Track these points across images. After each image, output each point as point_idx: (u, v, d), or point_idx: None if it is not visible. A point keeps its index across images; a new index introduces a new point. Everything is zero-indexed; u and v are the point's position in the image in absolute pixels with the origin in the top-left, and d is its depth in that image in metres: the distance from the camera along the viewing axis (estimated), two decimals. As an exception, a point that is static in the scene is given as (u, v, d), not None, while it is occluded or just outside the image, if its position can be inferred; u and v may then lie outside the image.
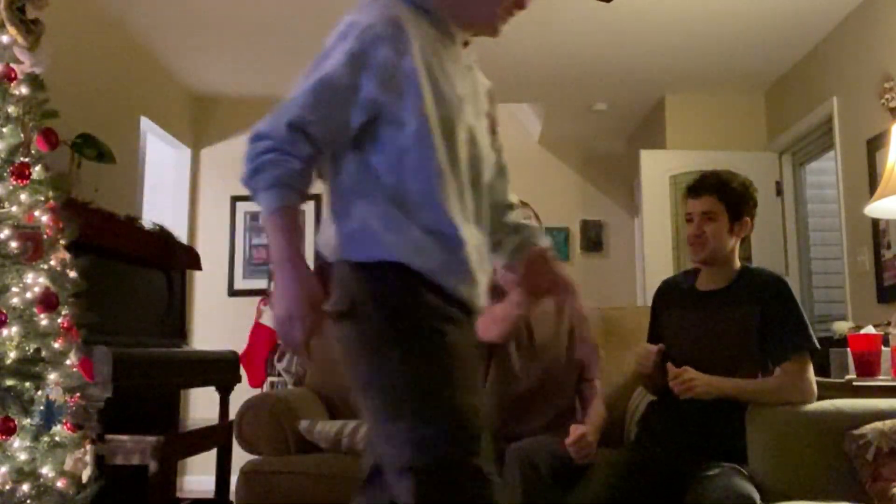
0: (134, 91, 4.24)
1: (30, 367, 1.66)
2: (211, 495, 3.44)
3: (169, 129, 4.73)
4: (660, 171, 4.70)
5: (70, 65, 3.42)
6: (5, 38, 1.79)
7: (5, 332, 1.65)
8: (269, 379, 4.56)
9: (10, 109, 1.75)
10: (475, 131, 1.39)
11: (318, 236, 1.37)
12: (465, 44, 1.43)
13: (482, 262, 1.34)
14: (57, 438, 1.70)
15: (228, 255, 5.08)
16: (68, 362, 1.78)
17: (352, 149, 1.31)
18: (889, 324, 2.74)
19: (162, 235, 3.42)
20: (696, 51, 4.26)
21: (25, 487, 1.63)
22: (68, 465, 1.71)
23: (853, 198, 3.71)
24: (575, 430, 2.08)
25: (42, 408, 1.68)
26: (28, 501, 1.63)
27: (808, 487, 1.91)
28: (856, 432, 1.95)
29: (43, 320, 1.72)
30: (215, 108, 5.18)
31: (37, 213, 1.77)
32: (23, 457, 1.64)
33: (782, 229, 4.63)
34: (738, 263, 2.20)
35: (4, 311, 1.65)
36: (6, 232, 1.70)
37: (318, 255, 1.36)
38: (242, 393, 3.28)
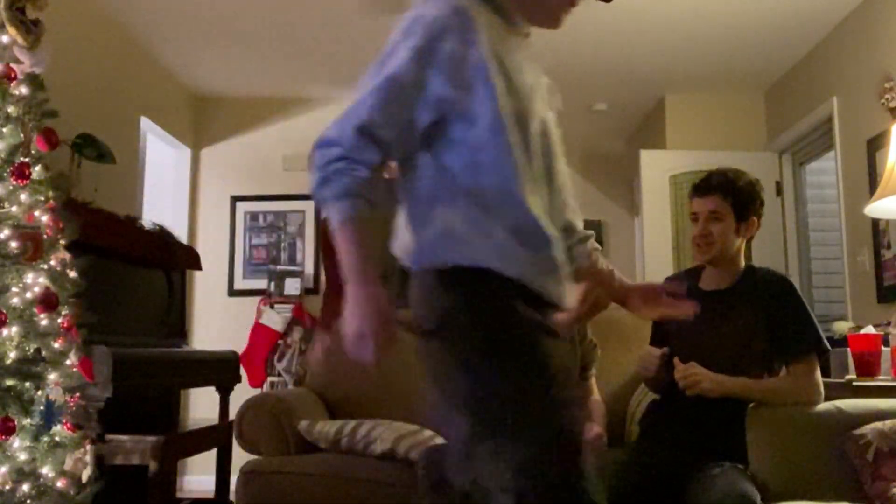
0: (134, 91, 4.24)
1: (30, 367, 1.66)
2: (211, 495, 3.44)
3: (169, 129, 4.73)
4: (660, 171, 4.70)
5: (70, 65, 3.42)
6: (5, 38, 1.79)
7: (5, 332, 1.65)
8: (269, 379, 4.57)
9: (10, 109, 1.75)
10: (547, 122, 1.34)
11: (394, 242, 1.31)
12: (526, 35, 1.39)
13: (565, 261, 1.30)
14: (57, 438, 1.71)
15: (228, 255, 5.08)
16: (68, 362, 1.78)
17: (424, 150, 1.25)
18: (889, 324, 2.74)
19: (162, 235, 3.42)
20: (696, 51, 4.26)
21: (25, 487, 1.63)
22: (68, 465, 1.71)
23: (853, 198, 3.71)
24: (590, 430, 2.08)
25: (42, 408, 1.68)
26: (28, 501, 1.63)
27: (808, 487, 1.91)
28: (856, 432, 1.95)
29: (43, 320, 1.72)
30: (215, 108, 5.18)
31: (37, 213, 1.77)
32: (23, 457, 1.64)
33: (782, 229, 4.63)
34: (742, 263, 2.18)
35: (4, 311, 1.65)
36: (6, 232, 1.70)
37: (391, 262, 1.30)
38: (242, 393, 3.28)
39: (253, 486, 2.38)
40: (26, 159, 1.75)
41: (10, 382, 1.63)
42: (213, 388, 3.45)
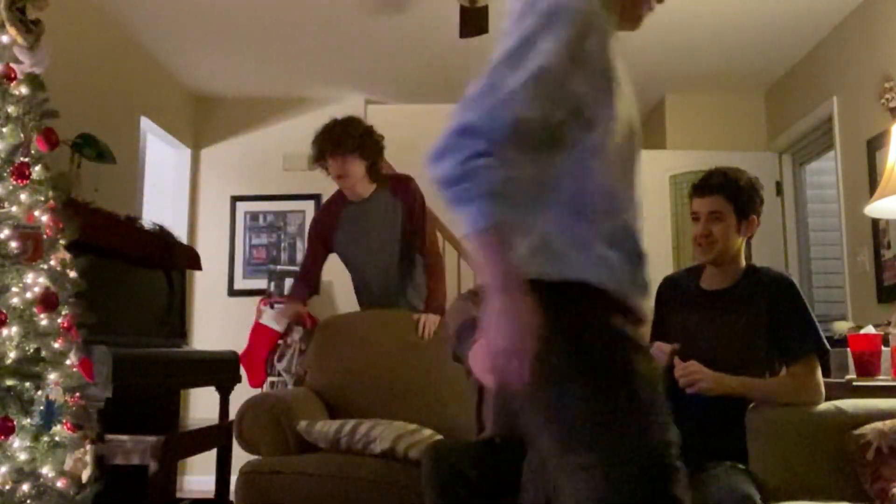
0: (134, 91, 4.24)
1: (30, 367, 1.66)
2: (211, 495, 3.44)
3: (169, 129, 4.73)
4: (660, 170, 4.71)
5: (70, 65, 3.42)
6: (5, 38, 1.79)
7: (5, 332, 1.65)
8: (269, 379, 4.56)
9: (10, 109, 1.76)
10: (638, 130, 1.27)
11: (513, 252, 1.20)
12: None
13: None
14: (57, 438, 1.71)
15: (228, 255, 5.08)
16: (68, 362, 1.78)
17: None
18: (889, 324, 2.73)
19: (162, 235, 3.42)
20: (696, 51, 4.26)
21: (25, 487, 1.63)
22: (68, 465, 1.71)
23: (853, 198, 3.71)
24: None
25: (42, 408, 1.68)
26: (28, 501, 1.63)
27: (808, 487, 1.91)
28: (856, 432, 1.95)
29: (43, 320, 1.72)
30: (215, 108, 5.18)
31: (37, 213, 1.77)
32: (23, 457, 1.64)
33: (782, 229, 4.63)
34: (743, 262, 2.18)
35: (4, 311, 1.65)
36: (6, 232, 1.70)
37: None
38: (242, 393, 3.28)
39: (253, 486, 2.38)
40: (26, 159, 1.75)
41: (10, 382, 1.63)
42: (213, 388, 3.45)
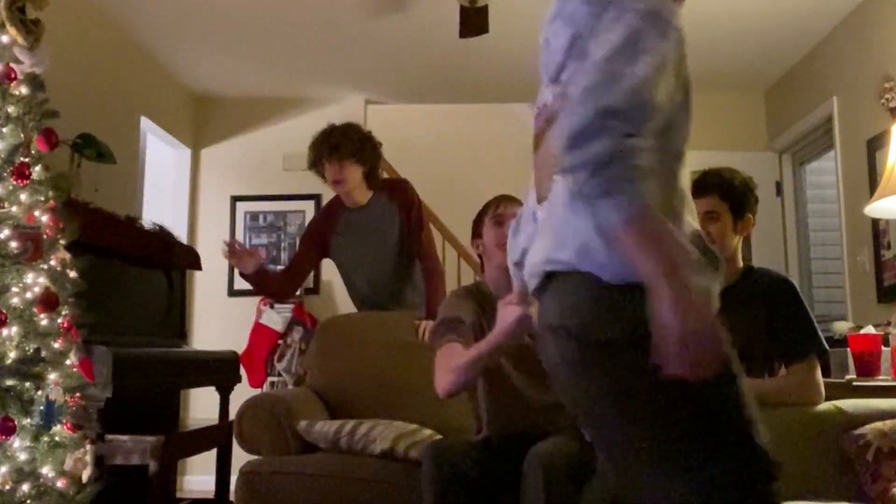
0: (134, 91, 4.24)
1: (30, 367, 1.66)
2: (211, 495, 3.44)
3: (169, 129, 4.73)
4: (660, 171, 4.70)
5: (70, 65, 3.42)
6: (5, 38, 1.79)
7: (5, 332, 1.65)
8: (269, 379, 4.56)
9: (10, 109, 1.76)
10: None
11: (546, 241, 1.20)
12: None
13: None
14: (57, 438, 1.70)
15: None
16: (68, 362, 1.78)
17: None
18: (889, 324, 2.74)
19: (162, 235, 3.42)
20: (695, 51, 4.21)
21: (25, 487, 1.63)
22: (68, 465, 1.71)
23: (853, 198, 3.71)
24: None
25: (42, 408, 1.68)
26: (28, 501, 1.63)
27: (808, 487, 1.91)
28: (856, 432, 1.95)
29: (43, 320, 1.72)
30: (215, 108, 5.18)
31: (37, 213, 1.77)
32: (23, 457, 1.64)
33: (782, 229, 4.63)
34: (741, 262, 2.18)
35: (4, 311, 1.65)
36: (6, 232, 1.70)
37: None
38: (242, 393, 3.28)
39: (252, 486, 2.38)
40: (26, 159, 1.75)
41: (10, 382, 1.63)
42: (213, 388, 3.45)
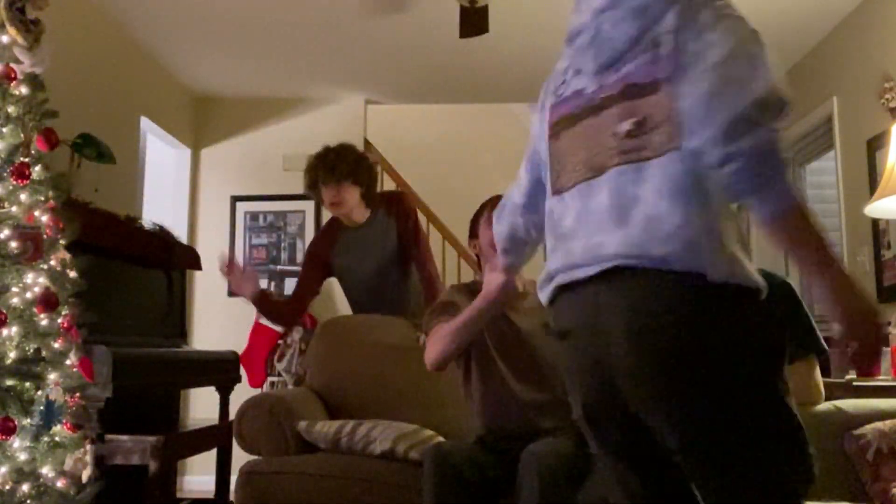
0: (134, 91, 4.24)
1: (30, 367, 1.66)
2: (211, 495, 3.44)
3: (169, 129, 4.73)
4: (660, 171, 4.70)
5: (70, 65, 3.42)
6: (5, 38, 1.79)
7: (5, 332, 1.65)
8: (269, 379, 4.56)
9: (10, 109, 1.75)
10: None
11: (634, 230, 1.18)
12: None
13: None
14: (57, 438, 1.70)
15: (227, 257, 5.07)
16: (68, 362, 1.78)
17: None
18: (889, 324, 2.74)
19: (162, 235, 3.42)
20: (696, 51, 4.25)
21: (25, 487, 1.63)
22: (68, 465, 1.71)
23: (853, 198, 3.71)
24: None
25: (42, 408, 1.68)
26: (28, 501, 1.63)
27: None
28: (856, 432, 1.96)
29: (43, 320, 1.72)
30: (215, 108, 5.18)
31: (37, 213, 1.77)
32: (23, 457, 1.64)
33: (782, 229, 4.62)
34: None
35: (4, 311, 1.65)
36: (6, 232, 1.70)
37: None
38: (242, 393, 3.28)
39: (252, 486, 2.38)
40: (26, 159, 1.75)
41: (10, 382, 1.63)
42: (213, 388, 3.45)
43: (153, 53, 4.42)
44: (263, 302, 3.06)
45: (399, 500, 2.26)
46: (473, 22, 3.54)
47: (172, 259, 3.47)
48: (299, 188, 4.92)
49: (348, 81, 4.89)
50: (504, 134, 6.12)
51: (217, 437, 3.24)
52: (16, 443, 1.63)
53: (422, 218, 4.03)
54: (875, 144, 3.48)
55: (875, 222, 3.48)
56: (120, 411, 2.49)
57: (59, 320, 1.78)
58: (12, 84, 1.77)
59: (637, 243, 1.16)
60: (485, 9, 3.51)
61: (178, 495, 4.11)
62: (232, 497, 2.65)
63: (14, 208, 1.72)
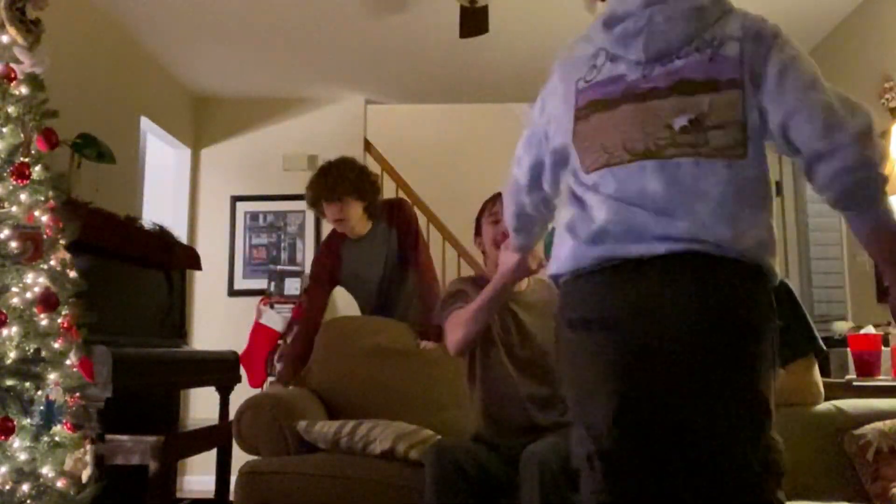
0: (134, 91, 4.24)
1: (30, 367, 1.66)
2: (211, 495, 3.44)
3: (169, 129, 4.73)
4: (660, 171, 4.70)
5: (70, 65, 3.42)
6: (5, 38, 1.79)
7: (5, 332, 1.65)
8: (270, 379, 4.56)
9: (10, 109, 1.75)
10: None
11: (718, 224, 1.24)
12: None
13: None
14: (57, 438, 1.70)
15: (228, 255, 5.08)
16: (68, 362, 1.78)
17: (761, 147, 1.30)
18: (889, 324, 2.74)
19: (162, 235, 3.42)
20: (696, 51, 4.25)
21: (25, 487, 1.63)
22: (68, 465, 1.71)
23: (853, 198, 3.70)
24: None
25: (42, 408, 1.68)
26: (28, 501, 1.63)
27: (808, 487, 1.91)
28: (856, 432, 1.96)
29: (43, 320, 1.72)
30: (215, 108, 5.18)
31: (37, 213, 1.77)
32: (23, 457, 1.64)
33: (782, 229, 4.63)
34: None
35: (4, 311, 1.65)
36: (6, 232, 1.70)
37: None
38: (242, 393, 3.28)
39: (252, 486, 2.37)
40: (26, 159, 1.75)
41: (10, 382, 1.63)
42: (213, 388, 3.45)
43: (153, 53, 4.42)
44: (304, 360, 3.03)
45: (399, 500, 2.26)
46: (473, 22, 3.54)
47: (172, 259, 3.47)
48: (299, 188, 4.92)
49: (348, 81, 4.89)
50: (504, 134, 6.11)
51: (217, 437, 3.24)
52: (16, 443, 1.63)
53: (422, 219, 4.03)
54: (875, 144, 3.48)
55: (875, 222, 3.48)
56: (120, 411, 2.49)
57: (59, 320, 1.78)
58: (12, 84, 1.77)
59: (711, 232, 1.20)
60: (485, 9, 3.51)
61: (178, 495, 4.11)
62: (232, 497, 2.65)
63: (14, 208, 1.72)
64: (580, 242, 1.29)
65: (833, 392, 2.16)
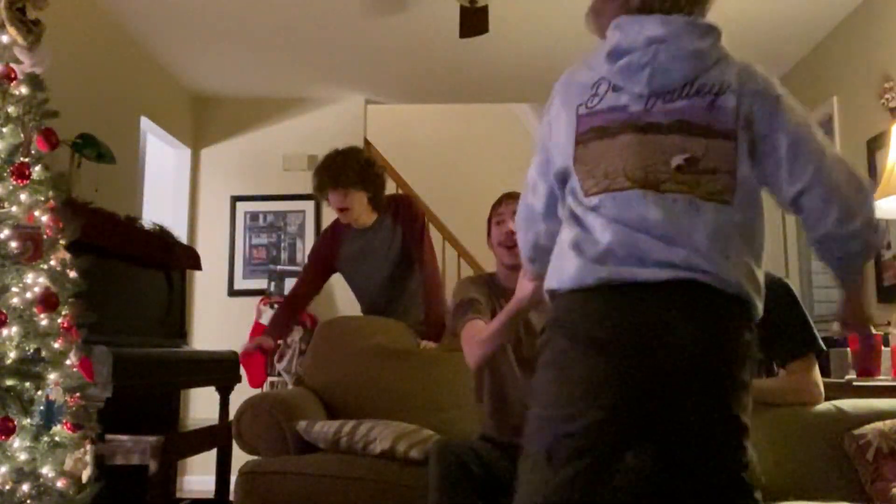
0: (134, 91, 4.24)
1: (30, 367, 1.66)
2: (211, 495, 3.44)
3: (169, 129, 4.73)
4: (660, 171, 4.69)
5: (70, 65, 3.42)
6: (5, 38, 1.79)
7: (5, 332, 1.65)
8: (269, 379, 4.56)
9: (10, 109, 1.76)
10: None
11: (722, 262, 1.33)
12: None
13: None
14: (57, 438, 1.71)
15: (228, 255, 5.08)
16: (68, 362, 1.78)
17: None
18: (889, 324, 2.74)
19: (162, 235, 3.42)
20: (696, 51, 4.25)
21: (25, 487, 1.64)
22: (68, 465, 1.72)
23: (853, 198, 3.70)
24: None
25: (42, 408, 1.68)
26: (28, 501, 1.63)
27: (808, 487, 1.91)
28: (856, 432, 1.95)
29: (43, 320, 1.72)
30: (215, 108, 5.18)
31: (37, 213, 1.77)
32: (23, 457, 1.64)
33: (782, 229, 4.63)
34: None
35: (4, 311, 1.65)
36: (6, 232, 1.70)
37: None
38: (242, 393, 3.28)
39: (252, 486, 2.38)
40: (26, 159, 1.75)
41: (10, 382, 1.63)
42: (213, 388, 3.45)
43: (153, 53, 4.42)
44: (282, 332, 3.19)
45: (399, 500, 2.26)
46: (473, 22, 3.54)
47: (172, 259, 3.47)
48: (299, 188, 4.97)
49: (348, 81, 4.89)
50: (504, 134, 6.13)
51: (217, 437, 3.24)
52: (16, 443, 1.64)
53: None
54: (875, 144, 3.48)
55: (875, 222, 3.48)
56: (120, 411, 2.49)
57: (59, 320, 1.78)
58: (12, 84, 1.77)
59: (707, 263, 1.27)
60: (485, 9, 3.52)
61: (178, 495, 4.12)
62: (232, 497, 2.65)
63: (14, 208, 1.72)
64: (587, 261, 1.33)
65: (833, 392, 2.16)
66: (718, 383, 1.28)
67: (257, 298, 4.77)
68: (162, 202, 4.85)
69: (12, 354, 1.65)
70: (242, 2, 3.77)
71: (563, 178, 1.47)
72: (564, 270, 1.36)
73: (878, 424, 1.95)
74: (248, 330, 4.63)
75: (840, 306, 1.48)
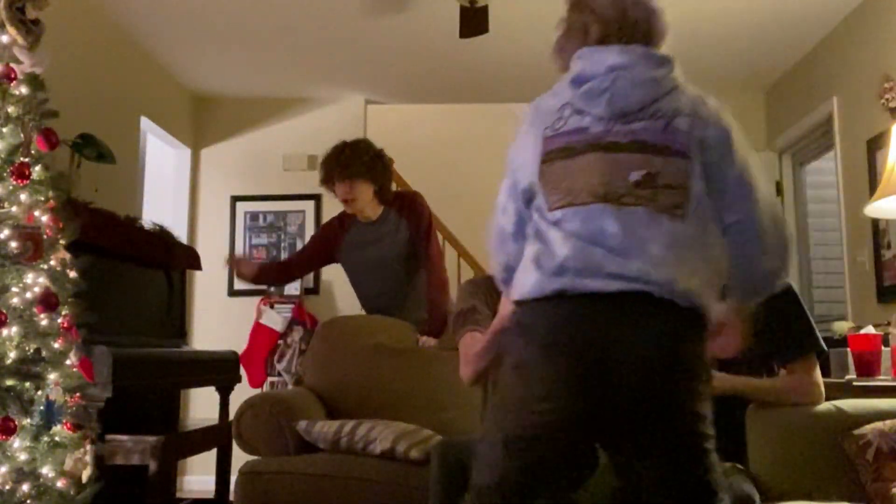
0: (134, 91, 4.24)
1: (30, 367, 1.66)
2: (211, 495, 3.44)
3: (169, 129, 4.73)
4: (660, 171, 4.69)
5: (70, 65, 3.42)
6: (5, 38, 1.79)
7: (5, 332, 1.65)
8: (269, 379, 4.56)
9: (10, 109, 1.75)
10: None
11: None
12: None
13: None
14: (57, 438, 1.70)
15: (228, 254, 5.08)
16: (68, 362, 1.78)
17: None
18: (889, 324, 2.74)
19: (162, 235, 3.42)
20: (696, 51, 4.26)
21: (25, 487, 1.64)
22: (68, 465, 1.71)
23: (853, 198, 3.71)
24: None
25: (42, 408, 1.68)
26: (28, 501, 1.63)
27: (808, 487, 1.91)
28: (856, 432, 1.95)
29: (43, 320, 1.72)
30: (215, 108, 5.18)
31: (37, 213, 1.77)
32: (23, 457, 1.64)
33: (782, 229, 4.63)
34: None
35: (4, 311, 1.65)
36: (6, 232, 1.70)
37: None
38: (242, 393, 3.28)
39: (252, 486, 2.38)
40: (26, 159, 1.75)
41: (10, 382, 1.63)
42: (213, 388, 3.45)
43: (153, 53, 4.43)
44: (259, 277, 3.25)
45: (399, 499, 2.26)
46: (473, 22, 3.54)
47: (172, 259, 3.47)
48: (299, 188, 4.97)
49: (348, 81, 4.89)
50: (504, 134, 6.09)
51: (217, 437, 3.24)
52: (16, 443, 1.64)
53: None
54: (875, 144, 3.48)
55: (875, 222, 3.48)
56: (120, 411, 2.49)
57: (59, 320, 1.78)
58: (12, 84, 1.77)
59: (659, 274, 1.34)
60: (485, 9, 3.52)
61: (178, 495, 4.12)
62: (232, 497, 2.65)
63: (14, 208, 1.72)
64: (544, 275, 1.41)
65: (833, 392, 2.16)
66: (670, 398, 1.34)
67: (257, 298, 4.77)
68: (162, 202, 4.85)
69: (12, 354, 1.65)
70: (242, 2, 3.77)
71: (529, 198, 1.54)
72: (525, 284, 1.45)
73: (878, 424, 1.95)
74: (248, 330, 4.64)
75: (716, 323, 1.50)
